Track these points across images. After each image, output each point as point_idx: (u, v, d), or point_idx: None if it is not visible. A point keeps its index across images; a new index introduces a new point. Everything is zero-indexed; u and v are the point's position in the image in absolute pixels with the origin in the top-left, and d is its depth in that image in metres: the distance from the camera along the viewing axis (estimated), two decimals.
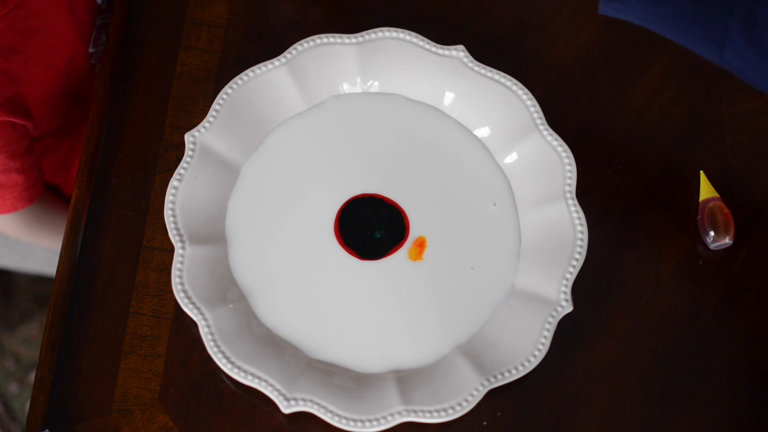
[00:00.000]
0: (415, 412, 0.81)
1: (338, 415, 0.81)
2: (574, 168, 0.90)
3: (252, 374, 0.82)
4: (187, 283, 0.84)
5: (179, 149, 0.92)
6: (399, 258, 0.88)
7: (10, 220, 1.11)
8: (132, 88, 0.95)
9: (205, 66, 0.96)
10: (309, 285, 0.87)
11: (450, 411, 0.81)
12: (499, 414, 0.84)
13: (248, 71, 0.93)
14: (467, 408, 0.81)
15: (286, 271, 0.88)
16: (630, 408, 0.85)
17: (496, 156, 0.92)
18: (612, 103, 0.96)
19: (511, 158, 0.92)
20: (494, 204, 0.90)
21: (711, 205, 0.90)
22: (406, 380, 0.83)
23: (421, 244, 0.88)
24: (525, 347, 0.84)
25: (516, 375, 0.83)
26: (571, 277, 0.86)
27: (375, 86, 0.95)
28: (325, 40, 0.94)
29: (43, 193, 1.09)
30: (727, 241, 0.89)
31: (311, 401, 0.81)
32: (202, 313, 0.83)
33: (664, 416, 0.85)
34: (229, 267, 0.88)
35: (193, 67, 0.96)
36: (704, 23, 0.71)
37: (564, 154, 0.90)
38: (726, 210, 0.90)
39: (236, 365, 0.82)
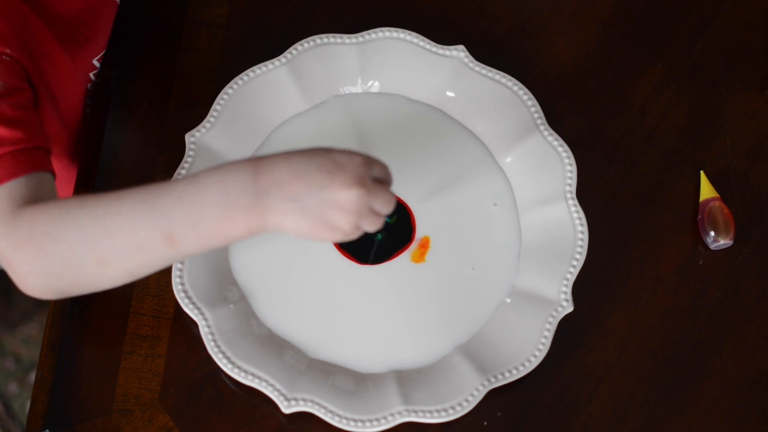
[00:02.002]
0: (415, 412, 0.81)
1: (338, 415, 0.81)
2: (574, 168, 0.90)
3: (252, 374, 0.82)
4: (187, 283, 0.84)
5: (179, 149, 0.92)
6: (401, 259, 0.88)
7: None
8: (132, 88, 0.95)
9: (205, 66, 0.96)
10: (309, 285, 0.87)
11: (450, 411, 0.81)
12: (499, 414, 0.84)
13: (249, 71, 0.93)
14: (468, 408, 0.81)
15: (286, 271, 0.88)
16: (630, 408, 0.85)
17: (496, 156, 0.92)
18: (612, 103, 0.96)
19: (511, 158, 0.92)
20: (495, 204, 0.90)
21: (711, 205, 0.90)
22: (406, 380, 0.83)
23: (424, 245, 0.88)
24: (525, 347, 0.84)
25: (516, 375, 0.83)
26: (572, 277, 0.86)
27: (375, 86, 0.95)
28: (325, 40, 0.94)
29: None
30: (727, 241, 0.89)
31: (311, 401, 0.81)
32: (202, 313, 0.83)
33: (664, 416, 0.85)
34: (230, 267, 0.87)
35: (193, 67, 0.96)
36: None
37: (564, 154, 0.90)
38: (726, 210, 0.90)
39: (236, 365, 0.82)
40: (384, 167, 0.74)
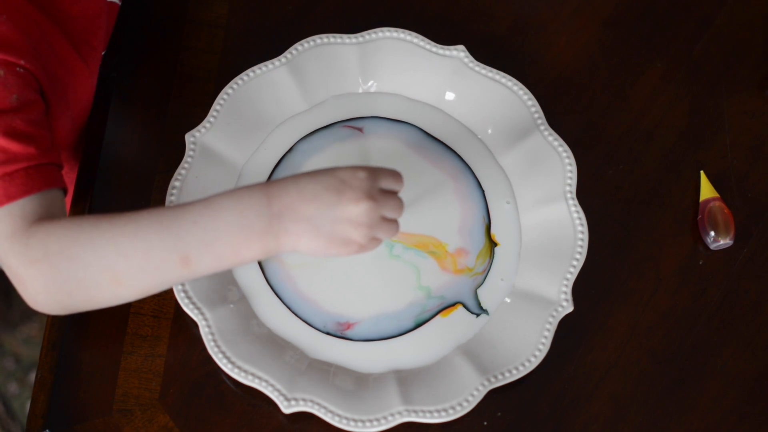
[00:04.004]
0: (415, 412, 0.81)
1: (338, 415, 0.81)
2: (574, 168, 0.90)
3: (252, 374, 0.82)
4: (187, 283, 0.84)
5: (179, 149, 0.92)
6: (404, 258, 0.88)
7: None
8: (132, 88, 0.95)
9: (205, 66, 0.96)
10: (309, 284, 0.87)
11: (450, 411, 0.81)
12: (499, 414, 0.84)
13: (248, 71, 0.93)
14: (468, 408, 0.81)
15: (286, 271, 0.87)
16: (630, 408, 0.85)
17: (496, 156, 0.92)
18: (612, 103, 0.96)
19: (511, 158, 0.92)
20: (507, 202, 0.90)
21: (711, 205, 0.90)
22: (406, 380, 0.83)
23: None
24: (525, 347, 0.84)
25: (516, 375, 0.83)
26: (572, 277, 0.86)
27: (375, 86, 0.95)
28: (325, 40, 0.94)
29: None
30: (727, 241, 0.89)
31: (311, 401, 0.81)
32: (202, 313, 0.83)
33: (664, 416, 0.85)
34: None
35: (193, 67, 0.96)
36: None
37: (564, 154, 0.90)
38: (726, 210, 0.90)
39: (236, 365, 0.82)
40: (392, 174, 0.76)
